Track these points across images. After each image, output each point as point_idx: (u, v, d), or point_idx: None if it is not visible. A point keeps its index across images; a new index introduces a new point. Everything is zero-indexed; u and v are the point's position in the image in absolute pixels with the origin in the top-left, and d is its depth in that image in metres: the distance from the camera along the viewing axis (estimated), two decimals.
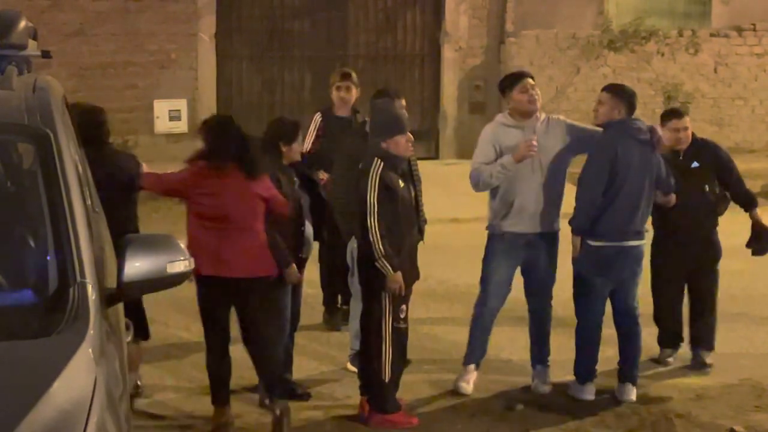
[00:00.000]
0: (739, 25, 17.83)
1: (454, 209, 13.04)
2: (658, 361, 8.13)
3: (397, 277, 6.66)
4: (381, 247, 6.61)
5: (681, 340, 8.17)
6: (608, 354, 7.58)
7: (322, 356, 8.18)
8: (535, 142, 7.17)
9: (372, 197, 6.62)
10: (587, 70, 17.10)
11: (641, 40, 16.84)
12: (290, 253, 6.93)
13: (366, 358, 6.89)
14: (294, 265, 6.90)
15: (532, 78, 7.49)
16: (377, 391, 6.86)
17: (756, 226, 7.92)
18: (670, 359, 8.15)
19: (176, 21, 15.49)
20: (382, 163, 6.69)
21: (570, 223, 7.29)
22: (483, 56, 16.93)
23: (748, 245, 7.95)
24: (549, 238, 7.44)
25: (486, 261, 7.52)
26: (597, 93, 18.29)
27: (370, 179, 6.63)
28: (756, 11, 17.98)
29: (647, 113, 17.37)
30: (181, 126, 15.54)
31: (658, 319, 8.16)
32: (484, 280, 7.52)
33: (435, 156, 16.59)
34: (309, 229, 7.19)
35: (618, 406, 7.27)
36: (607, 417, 7.12)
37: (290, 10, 16.35)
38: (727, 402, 7.41)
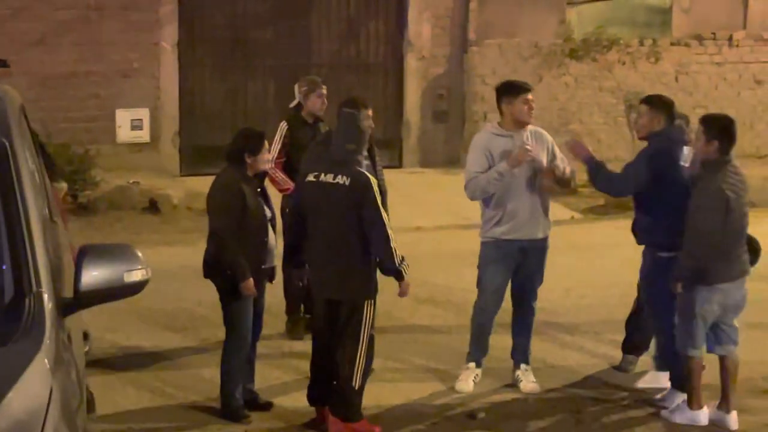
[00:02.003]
0: (700, 34, 17.98)
1: (417, 218, 13.08)
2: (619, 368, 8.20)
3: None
4: (399, 253, 6.67)
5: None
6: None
7: (284, 366, 8.17)
8: (530, 147, 7.42)
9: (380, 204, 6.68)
10: (549, 78, 17.17)
11: (603, 49, 16.93)
12: (253, 265, 6.94)
13: (337, 364, 6.83)
14: (251, 279, 6.90)
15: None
16: (345, 398, 6.80)
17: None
18: (632, 366, 8.20)
19: (138, 30, 15.41)
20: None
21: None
22: (446, 65, 16.97)
23: None
24: (540, 245, 7.66)
25: (481, 267, 7.69)
26: (559, 102, 18.44)
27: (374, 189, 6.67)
28: (716, 20, 18.13)
29: (609, 121, 17.52)
30: (144, 135, 15.46)
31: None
32: (481, 286, 7.71)
33: (398, 165, 16.59)
34: (272, 240, 7.20)
35: (578, 413, 7.30)
36: (564, 423, 7.16)
37: (253, 19, 16.32)
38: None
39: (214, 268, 7.04)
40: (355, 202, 6.64)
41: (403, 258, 6.70)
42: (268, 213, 7.15)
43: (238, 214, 6.89)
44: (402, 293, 6.86)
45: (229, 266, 6.91)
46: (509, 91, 7.63)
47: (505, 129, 7.58)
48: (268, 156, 7.27)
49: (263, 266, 7.11)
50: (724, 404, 7.20)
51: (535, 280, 7.76)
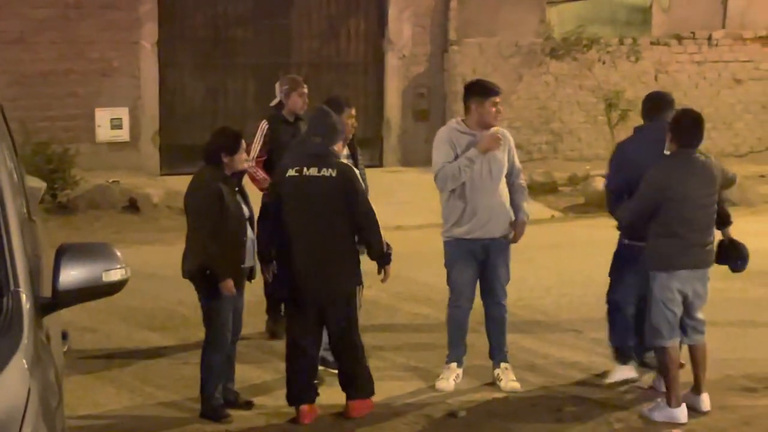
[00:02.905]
0: (679, 33, 18.04)
1: (398, 217, 13.07)
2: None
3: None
4: (385, 241, 7.03)
5: None
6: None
7: (265, 365, 8.15)
8: (500, 135, 7.52)
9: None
10: (530, 77, 17.21)
11: (583, 48, 16.99)
12: (232, 264, 6.93)
13: (351, 350, 7.10)
14: (230, 279, 6.88)
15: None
16: (366, 377, 7.14)
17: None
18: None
19: (118, 29, 15.36)
20: None
21: None
22: (426, 64, 16.98)
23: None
24: (502, 242, 7.67)
25: (448, 266, 7.73)
26: (539, 100, 18.48)
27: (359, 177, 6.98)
28: (695, 19, 18.20)
29: (589, 120, 17.56)
30: (123, 134, 15.42)
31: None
32: (451, 284, 7.74)
33: (379, 164, 16.60)
34: (251, 239, 7.17)
35: (558, 411, 7.31)
36: (545, 421, 7.17)
37: (233, 18, 16.29)
38: None
39: (192, 267, 7.02)
40: (344, 192, 6.86)
41: (388, 244, 7.02)
42: (247, 212, 7.13)
43: (215, 214, 6.88)
44: (385, 279, 7.14)
45: (207, 266, 6.90)
46: (480, 92, 7.64)
47: (469, 128, 7.60)
48: (246, 155, 7.26)
49: (242, 265, 7.10)
50: (696, 388, 7.39)
51: (501, 277, 7.73)
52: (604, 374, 7.96)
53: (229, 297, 6.96)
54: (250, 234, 7.15)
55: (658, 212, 7.13)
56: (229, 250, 6.93)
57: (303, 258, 6.93)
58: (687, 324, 7.35)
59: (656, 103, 7.85)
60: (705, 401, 7.35)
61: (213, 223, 6.87)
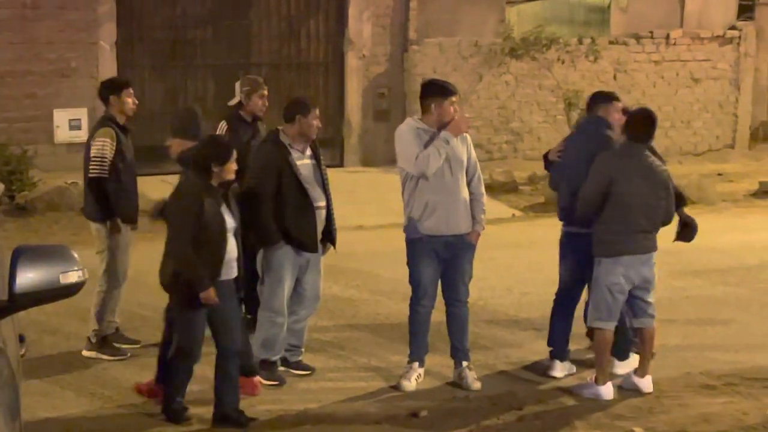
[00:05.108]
0: (637, 33, 18.16)
1: (359, 216, 13.07)
2: None
3: None
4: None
5: None
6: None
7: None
8: (468, 116, 7.84)
9: None
10: (490, 77, 17.26)
11: (542, 47, 17.04)
12: (211, 275, 6.81)
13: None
14: (211, 289, 6.76)
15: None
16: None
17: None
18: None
19: (76, 29, 15.25)
20: None
21: None
22: (387, 64, 16.98)
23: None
24: (465, 239, 7.69)
25: (410, 265, 7.74)
26: (499, 100, 18.49)
27: None
28: (653, 19, 18.32)
29: (549, 119, 17.64)
30: (82, 135, 15.19)
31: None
32: (413, 282, 7.75)
33: (340, 164, 16.58)
34: (233, 251, 7.03)
35: (519, 410, 7.34)
36: (506, 419, 7.19)
37: (192, 19, 16.21)
38: (627, 404, 7.52)
39: (171, 276, 6.89)
40: None
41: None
42: (232, 223, 7.01)
43: (194, 223, 6.74)
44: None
45: (185, 275, 6.78)
46: (440, 92, 7.66)
47: (428, 125, 7.63)
48: (234, 166, 7.00)
49: (221, 278, 6.95)
50: (640, 371, 7.70)
51: (465, 275, 7.76)
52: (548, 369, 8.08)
53: (204, 308, 6.84)
54: (232, 246, 7.02)
55: (606, 199, 7.45)
56: (208, 260, 6.81)
57: None
58: (637, 306, 7.65)
59: (590, 99, 8.31)
60: (648, 384, 7.67)
61: (191, 233, 6.73)
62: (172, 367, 7.05)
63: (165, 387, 7.08)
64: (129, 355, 8.24)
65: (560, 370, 8.01)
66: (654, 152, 7.82)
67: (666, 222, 7.70)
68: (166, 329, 7.34)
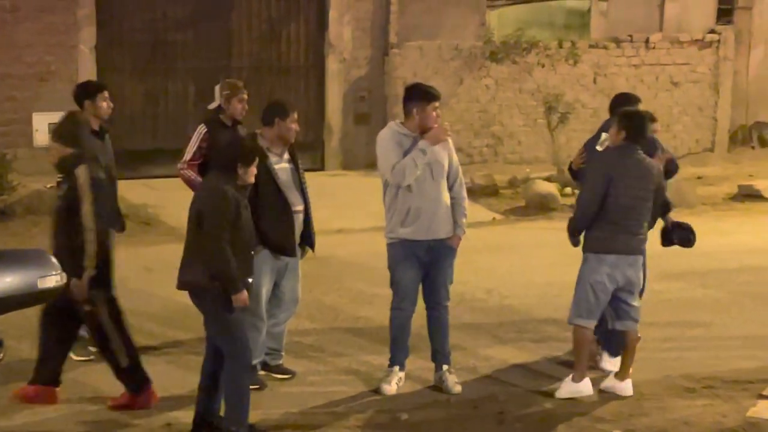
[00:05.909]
0: (617, 37, 18.21)
1: (339, 220, 13.07)
2: None
3: None
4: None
5: None
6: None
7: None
8: (448, 125, 7.80)
9: None
10: (470, 81, 17.27)
11: (522, 51, 17.07)
12: (244, 275, 6.71)
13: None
14: (245, 291, 6.64)
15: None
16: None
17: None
18: None
19: (55, 32, 15.18)
20: None
21: None
22: (367, 67, 16.97)
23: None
24: (446, 244, 7.71)
25: (391, 268, 7.75)
26: (480, 104, 18.54)
27: None
28: (633, 23, 18.38)
29: (529, 123, 17.66)
30: None
31: None
32: (394, 286, 7.75)
33: (320, 168, 16.56)
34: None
35: (500, 414, 7.34)
36: (487, 423, 7.20)
37: (173, 22, 16.16)
38: (608, 407, 7.54)
39: (199, 278, 6.66)
40: None
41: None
42: None
43: (233, 221, 6.63)
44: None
45: (222, 276, 6.59)
46: (422, 96, 7.69)
47: (410, 130, 7.63)
48: (255, 170, 6.91)
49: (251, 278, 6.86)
50: (621, 373, 7.76)
51: (446, 279, 7.78)
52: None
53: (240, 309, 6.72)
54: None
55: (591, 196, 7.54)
56: (242, 261, 6.70)
57: None
58: (622, 309, 7.70)
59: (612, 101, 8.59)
60: (628, 387, 7.72)
61: (229, 235, 6.60)
62: (237, 389, 6.73)
63: (230, 414, 6.79)
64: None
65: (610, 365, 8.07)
66: (656, 146, 8.09)
67: (650, 224, 7.73)
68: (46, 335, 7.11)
